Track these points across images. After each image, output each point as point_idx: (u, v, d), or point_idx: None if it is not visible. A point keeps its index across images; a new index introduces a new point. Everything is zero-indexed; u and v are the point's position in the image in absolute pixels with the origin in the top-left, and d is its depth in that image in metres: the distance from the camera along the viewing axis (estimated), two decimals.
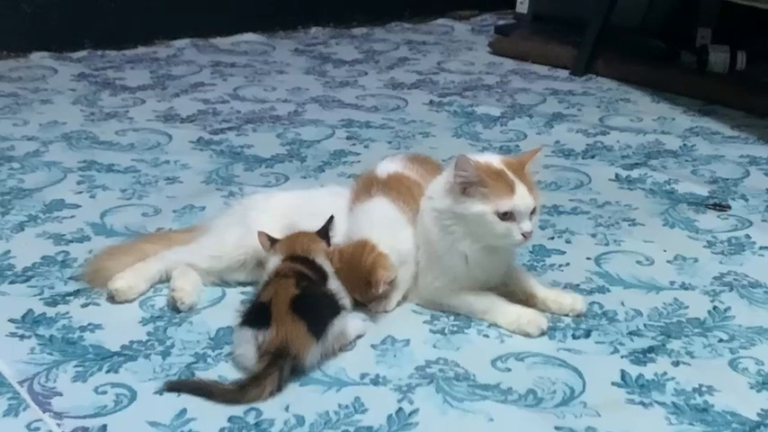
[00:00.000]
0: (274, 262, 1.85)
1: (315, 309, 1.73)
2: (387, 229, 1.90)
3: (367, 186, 1.99)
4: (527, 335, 1.85)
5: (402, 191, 1.96)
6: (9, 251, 2.12)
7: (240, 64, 3.73)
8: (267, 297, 1.74)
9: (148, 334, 1.82)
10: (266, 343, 1.66)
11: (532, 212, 1.85)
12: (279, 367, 1.65)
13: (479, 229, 1.84)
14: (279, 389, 1.65)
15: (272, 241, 1.90)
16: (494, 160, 1.89)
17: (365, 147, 2.84)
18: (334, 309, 1.77)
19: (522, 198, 1.83)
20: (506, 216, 1.82)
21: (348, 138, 2.91)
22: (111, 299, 1.92)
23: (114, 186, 2.49)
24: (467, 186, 1.83)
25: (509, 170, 1.85)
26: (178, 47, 3.93)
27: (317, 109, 3.19)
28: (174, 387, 1.66)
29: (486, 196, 1.82)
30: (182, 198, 2.42)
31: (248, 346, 1.68)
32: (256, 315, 1.72)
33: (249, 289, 1.94)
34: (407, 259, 1.92)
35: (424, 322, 1.89)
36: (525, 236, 1.84)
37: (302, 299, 1.73)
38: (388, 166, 2.04)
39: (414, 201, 1.95)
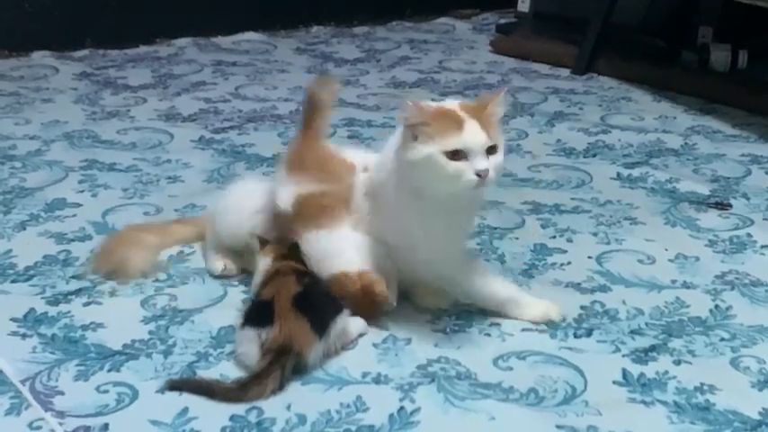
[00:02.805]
0: (265, 263, 1.86)
1: (317, 306, 1.73)
2: (347, 252, 1.86)
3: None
4: (551, 322, 1.87)
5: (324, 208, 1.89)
6: (11, 250, 2.12)
7: (242, 63, 3.73)
8: (269, 295, 1.74)
9: (150, 333, 1.82)
10: (269, 341, 1.66)
11: (492, 152, 1.74)
12: (281, 365, 1.65)
13: (431, 174, 1.72)
14: (281, 387, 1.64)
15: (263, 243, 1.90)
16: (448, 103, 1.80)
17: (366, 145, 2.84)
18: (336, 307, 1.77)
19: (471, 134, 1.71)
20: (457, 155, 1.70)
21: (350, 137, 2.91)
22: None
23: (116, 185, 2.49)
24: (415, 131, 1.73)
25: (462, 110, 1.75)
26: (179, 46, 3.93)
27: None
28: (176, 386, 1.66)
29: (432, 136, 1.71)
30: (183, 197, 2.43)
31: (251, 344, 1.68)
32: (258, 313, 1.72)
33: (251, 288, 1.93)
34: (378, 259, 1.86)
35: (426, 321, 1.89)
36: (480, 175, 1.70)
37: (304, 296, 1.73)
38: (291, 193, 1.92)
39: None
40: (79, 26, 3.83)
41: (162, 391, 1.65)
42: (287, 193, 1.92)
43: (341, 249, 1.86)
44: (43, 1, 3.74)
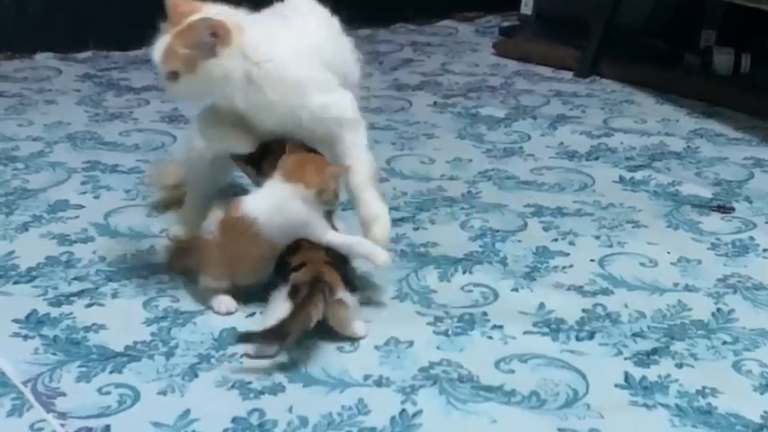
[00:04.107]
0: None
1: (346, 271, 1.83)
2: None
3: None
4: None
5: None
6: (13, 251, 2.12)
7: None
8: (299, 260, 1.80)
9: (152, 334, 1.82)
10: (299, 276, 1.75)
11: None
12: (320, 291, 1.72)
13: None
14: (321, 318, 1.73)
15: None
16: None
17: (369, 148, 2.83)
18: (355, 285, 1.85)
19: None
20: None
21: None
22: None
23: (118, 187, 2.49)
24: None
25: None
26: None
27: None
28: (244, 338, 1.75)
29: None
30: None
31: (286, 304, 1.74)
32: (291, 271, 1.79)
33: (254, 291, 1.93)
34: None
35: (428, 324, 1.89)
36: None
37: (334, 261, 1.81)
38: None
39: None
40: (82, 28, 3.83)
41: (234, 342, 1.75)
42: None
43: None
44: (46, 2, 3.74)
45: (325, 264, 1.80)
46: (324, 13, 2.06)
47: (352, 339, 1.81)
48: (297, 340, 1.75)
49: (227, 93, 1.86)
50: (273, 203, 1.86)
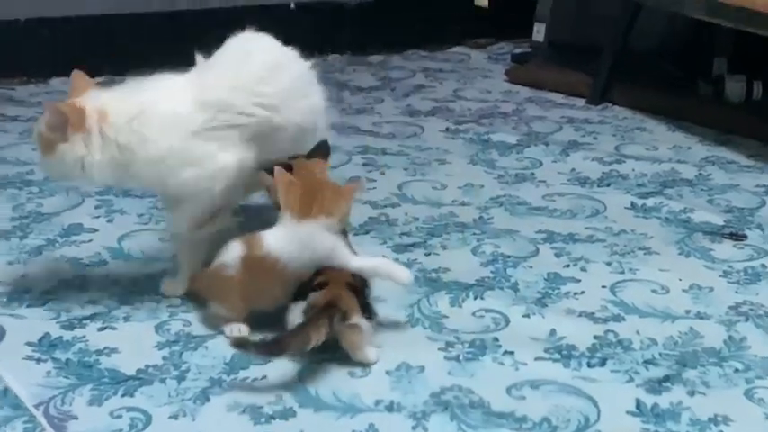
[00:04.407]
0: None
1: (365, 295, 1.85)
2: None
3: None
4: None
5: None
6: (27, 275, 2.13)
7: None
8: (322, 279, 1.82)
9: (164, 358, 1.83)
10: (316, 298, 1.75)
11: None
12: (328, 316, 1.73)
13: None
14: (323, 342, 1.73)
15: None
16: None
17: (381, 174, 2.85)
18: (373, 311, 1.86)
19: None
20: None
21: (365, 164, 2.92)
22: None
23: (131, 211, 2.50)
24: None
25: None
26: None
27: (333, 135, 3.16)
28: (239, 344, 1.76)
29: None
30: None
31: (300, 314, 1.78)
32: (311, 290, 1.80)
33: (267, 313, 1.93)
34: None
35: (439, 349, 1.89)
36: None
37: (356, 283, 1.84)
38: None
39: None
40: (97, 53, 3.86)
41: (232, 346, 1.78)
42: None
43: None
44: (62, 27, 3.77)
45: (347, 285, 1.81)
46: (266, 49, 2.06)
47: (364, 364, 1.81)
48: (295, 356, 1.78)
49: (81, 175, 1.93)
50: (298, 241, 1.86)
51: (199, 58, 2.05)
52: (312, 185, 1.90)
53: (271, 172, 1.93)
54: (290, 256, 1.86)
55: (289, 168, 1.92)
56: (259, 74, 1.98)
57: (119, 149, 1.89)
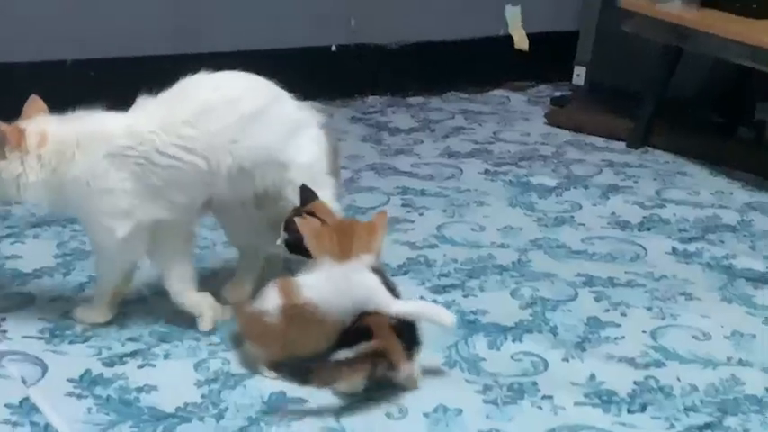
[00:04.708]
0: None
1: (410, 333, 1.84)
2: None
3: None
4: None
5: None
6: (69, 311, 2.15)
7: None
8: (363, 325, 1.81)
9: (203, 396, 1.84)
10: (366, 347, 1.77)
11: None
12: (374, 364, 1.75)
13: None
14: (364, 387, 1.77)
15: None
16: None
17: (420, 214, 2.86)
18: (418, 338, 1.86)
19: None
20: None
21: (403, 205, 2.93)
22: None
23: None
24: None
25: None
26: None
27: (372, 176, 3.22)
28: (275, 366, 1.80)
29: None
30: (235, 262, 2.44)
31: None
32: (355, 335, 1.80)
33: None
34: None
35: (477, 392, 1.89)
36: None
37: (400, 324, 1.83)
38: None
39: None
40: (131, 88, 3.91)
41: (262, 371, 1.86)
42: None
43: None
44: (109, 69, 3.83)
45: (392, 328, 1.81)
46: (208, 89, 2.04)
47: (402, 405, 1.81)
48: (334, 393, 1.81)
49: (16, 195, 1.97)
50: (338, 286, 1.85)
51: (140, 98, 2.06)
52: (341, 227, 1.91)
53: (288, 224, 1.95)
54: (330, 302, 1.84)
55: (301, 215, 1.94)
56: (184, 116, 1.98)
57: (52, 172, 1.95)
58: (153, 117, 1.99)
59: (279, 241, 1.99)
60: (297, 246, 1.94)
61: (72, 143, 1.95)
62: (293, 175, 2.05)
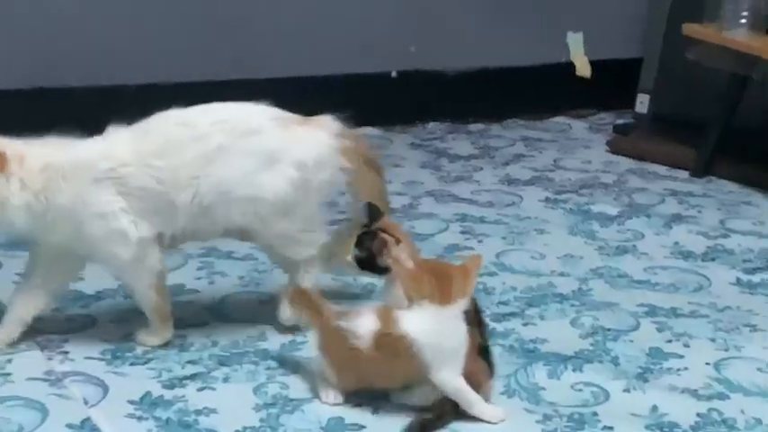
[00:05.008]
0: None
1: (489, 353, 1.92)
2: None
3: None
4: None
5: None
6: (130, 334, 2.17)
7: None
8: None
9: (261, 420, 1.84)
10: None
11: None
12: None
13: None
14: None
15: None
16: None
17: (479, 242, 2.85)
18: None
19: None
20: None
21: (462, 232, 2.92)
22: None
23: (232, 273, 2.54)
24: None
25: None
26: None
27: (431, 203, 3.22)
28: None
29: None
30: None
31: None
32: None
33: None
34: None
35: (537, 422, 1.87)
36: None
37: (485, 347, 1.91)
38: None
39: None
40: None
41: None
42: None
43: None
44: (172, 94, 3.88)
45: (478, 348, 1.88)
46: (182, 122, 2.05)
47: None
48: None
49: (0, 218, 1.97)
50: (440, 329, 1.81)
51: (111, 127, 2.07)
52: (437, 269, 1.88)
53: (359, 241, 1.96)
54: (426, 341, 1.80)
55: (373, 234, 1.95)
56: (152, 148, 2.01)
57: (34, 196, 1.96)
58: (126, 145, 2.02)
59: (349, 257, 2.00)
60: (367, 262, 1.97)
61: (52, 167, 1.97)
62: (259, 210, 2.07)
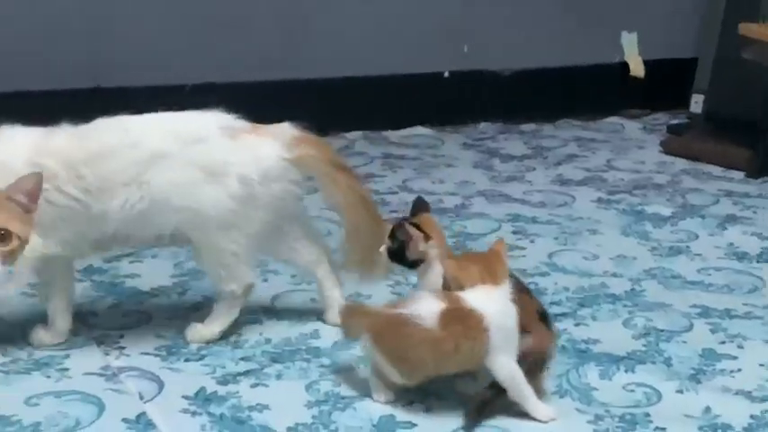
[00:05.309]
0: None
1: (548, 318, 1.93)
2: None
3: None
4: None
5: None
6: (184, 330, 2.20)
7: (410, 156, 3.80)
8: None
9: (313, 417, 1.86)
10: (528, 346, 1.84)
11: None
12: (539, 367, 1.87)
13: None
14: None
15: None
16: None
17: (531, 242, 2.84)
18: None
19: None
20: None
21: (514, 232, 2.92)
22: None
23: (285, 272, 2.55)
24: None
25: None
26: (351, 138, 4.03)
27: (483, 203, 3.22)
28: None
29: None
30: (347, 287, 2.45)
31: None
32: None
33: None
34: None
35: (588, 422, 1.86)
36: None
37: (543, 310, 1.94)
38: None
39: None
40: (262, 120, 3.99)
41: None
42: None
43: None
44: (229, 93, 3.91)
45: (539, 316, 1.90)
46: (122, 130, 2.02)
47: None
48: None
49: None
50: (503, 301, 1.82)
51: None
52: (474, 258, 1.92)
53: (393, 232, 1.98)
54: (494, 317, 1.79)
55: (405, 227, 1.97)
56: (84, 156, 1.97)
57: None
58: (60, 153, 1.97)
59: (381, 248, 2.01)
60: (399, 254, 1.98)
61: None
62: (198, 222, 2.03)
